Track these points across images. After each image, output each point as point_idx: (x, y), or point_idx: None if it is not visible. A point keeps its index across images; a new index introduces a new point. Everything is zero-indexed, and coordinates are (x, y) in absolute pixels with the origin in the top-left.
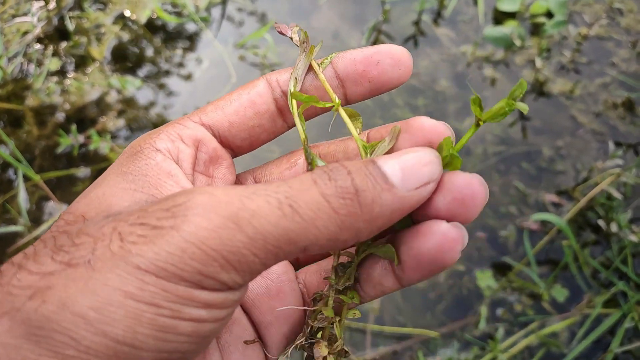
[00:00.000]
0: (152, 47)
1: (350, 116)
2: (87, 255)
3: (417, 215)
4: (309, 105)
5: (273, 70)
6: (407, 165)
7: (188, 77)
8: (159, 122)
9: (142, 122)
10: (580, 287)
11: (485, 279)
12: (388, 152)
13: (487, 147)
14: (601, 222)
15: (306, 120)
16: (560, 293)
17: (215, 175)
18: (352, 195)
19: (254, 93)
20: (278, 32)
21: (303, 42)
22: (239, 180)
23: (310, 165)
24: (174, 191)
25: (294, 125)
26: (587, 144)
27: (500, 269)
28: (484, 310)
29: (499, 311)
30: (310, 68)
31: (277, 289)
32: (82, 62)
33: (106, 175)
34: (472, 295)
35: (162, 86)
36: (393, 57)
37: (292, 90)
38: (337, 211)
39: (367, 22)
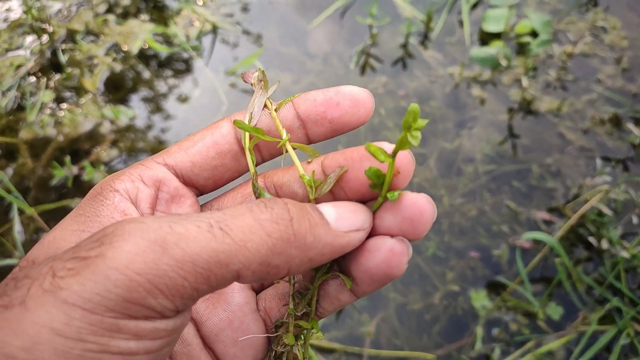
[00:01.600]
0: (145, 77)
1: (310, 153)
2: (23, 296)
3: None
4: (258, 139)
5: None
6: (342, 210)
7: (182, 103)
8: (157, 148)
9: (136, 151)
10: (575, 305)
11: (480, 299)
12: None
13: (477, 166)
14: (592, 239)
15: (271, 158)
16: (555, 311)
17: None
18: (287, 221)
19: (217, 134)
20: (244, 81)
21: (260, 81)
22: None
23: (258, 197)
24: None
25: (260, 163)
26: (576, 160)
27: (495, 288)
28: (479, 330)
29: (495, 331)
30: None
31: (239, 320)
32: (76, 93)
33: (63, 219)
34: (468, 316)
35: (156, 112)
36: (353, 98)
37: (246, 121)
38: (269, 234)
39: (356, 45)
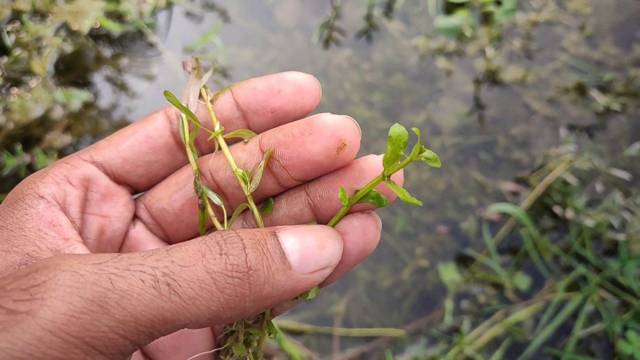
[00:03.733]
0: (99, 57)
1: (244, 134)
2: None
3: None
4: (197, 133)
5: (222, 74)
6: (308, 246)
7: (141, 81)
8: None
9: (93, 135)
10: (542, 274)
11: (449, 273)
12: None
13: (444, 139)
14: (558, 208)
15: (211, 152)
16: (522, 281)
17: (111, 214)
18: (243, 274)
19: (150, 128)
20: (184, 69)
21: (193, 69)
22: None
23: (201, 199)
24: (55, 245)
25: (199, 156)
26: (541, 130)
27: (463, 261)
28: (449, 304)
29: (464, 304)
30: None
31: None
32: (25, 77)
33: None
34: (437, 290)
35: (119, 91)
36: (296, 85)
37: (182, 117)
38: (222, 290)
39: (320, 18)
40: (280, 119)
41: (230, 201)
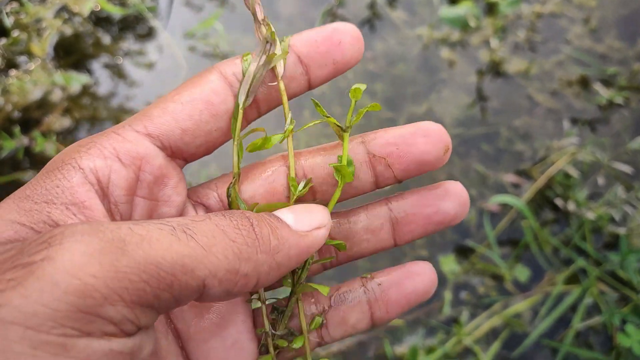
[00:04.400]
0: (99, 41)
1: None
2: None
3: (425, 224)
4: (248, 128)
5: (224, 59)
6: (298, 211)
7: (141, 67)
8: (118, 117)
9: (92, 120)
10: (541, 266)
11: (449, 264)
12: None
13: (446, 129)
14: (559, 201)
15: (269, 111)
16: (522, 273)
17: (159, 197)
18: (248, 227)
19: (209, 91)
20: (245, 3)
21: (266, 42)
22: (198, 197)
23: (230, 206)
24: None
25: (255, 118)
26: (544, 122)
27: (463, 253)
28: (448, 294)
29: (463, 294)
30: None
31: (233, 338)
32: (23, 59)
33: (7, 198)
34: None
35: (117, 77)
36: (351, 35)
37: (241, 106)
38: (233, 240)
39: (322, 6)
40: (339, 71)
41: (318, 197)
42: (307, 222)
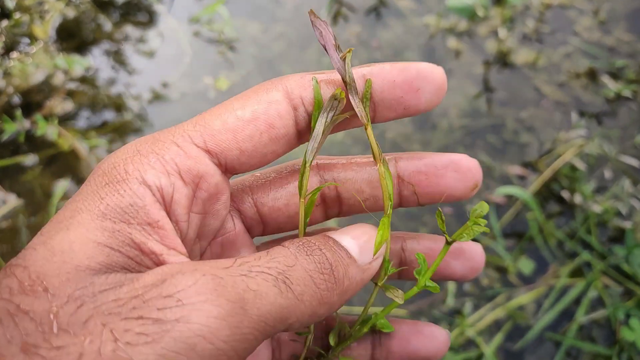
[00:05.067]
0: (102, 24)
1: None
2: None
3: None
4: (317, 196)
5: (229, 45)
6: (362, 242)
7: (144, 53)
8: (117, 103)
9: (95, 103)
10: (546, 259)
11: None
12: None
13: (452, 120)
14: (565, 194)
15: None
16: (526, 265)
17: (209, 211)
18: (329, 270)
19: (273, 114)
20: (313, 25)
21: (335, 99)
22: (233, 201)
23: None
24: (159, 250)
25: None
26: (551, 114)
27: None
28: (451, 286)
29: (466, 286)
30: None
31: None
32: (25, 42)
33: (77, 210)
34: None
35: (120, 62)
36: (435, 83)
37: (308, 164)
38: (318, 286)
39: None
40: (407, 115)
41: (344, 209)
42: (369, 254)
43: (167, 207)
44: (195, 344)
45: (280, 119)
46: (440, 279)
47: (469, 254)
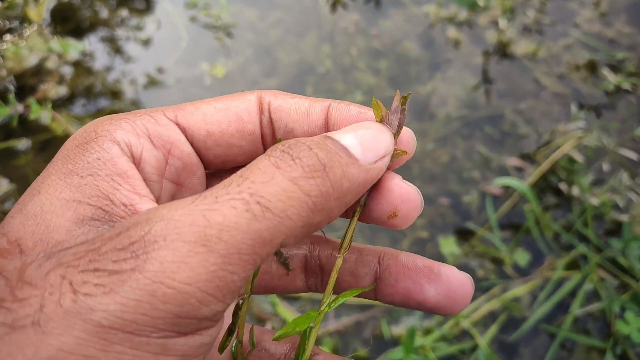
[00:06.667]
0: (96, 6)
1: None
2: (34, 313)
3: (404, 296)
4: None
5: (226, 31)
6: (364, 139)
7: (140, 41)
8: (112, 88)
9: (89, 88)
10: (542, 251)
11: (449, 246)
12: None
13: (450, 111)
14: (563, 186)
15: None
16: (522, 257)
17: (186, 184)
18: (322, 172)
19: (243, 108)
20: (393, 108)
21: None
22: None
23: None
24: (130, 200)
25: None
26: (550, 106)
27: (464, 235)
28: None
29: None
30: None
31: None
32: (19, 24)
33: (47, 174)
34: None
35: (115, 50)
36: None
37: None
38: (308, 194)
39: None
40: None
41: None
42: (374, 153)
43: (137, 165)
44: (154, 290)
45: (249, 115)
46: (412, 306)
47: (446, 279)
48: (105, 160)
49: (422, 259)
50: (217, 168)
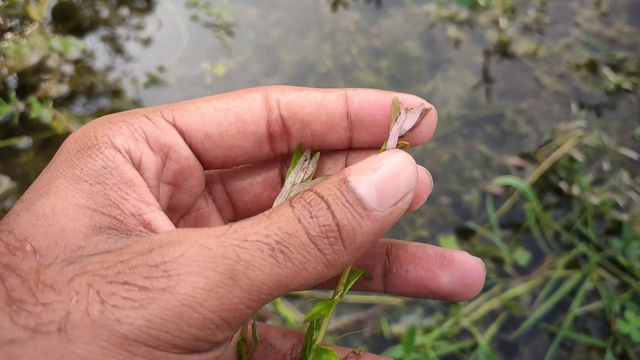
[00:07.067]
0: (97, 6)
1: None
2: (60, 320)
3: (416, 286)
4: None
5: (226, 30)
6: (382, 182)
7: (141, 40)
8: (112, 87)
9: (90, 87)
10: (542, 250)
11: (449, 244)
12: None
13: (451, 110)
14: (563, 185)
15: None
16: (522, 256)
17: (183, 185)
18: (335, 232)
19: (245, 109)
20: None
21: (305, 160)
22: (206, 186)
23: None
24: (138, 210)
25: (281, 154)
26: (550, 106)
27: (464, 234)
28: None
29: None
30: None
31: None
32: (20, 23)
33: (53, 176)
34: None
35: (116, 49)
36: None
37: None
38: (322, 251)
39: None
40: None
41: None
42: (393, 196)
43: (137, 170)
44: (182, 313)
45: (252, 115)
46: (425, 295)
47: (459, 264)
48: (111, 169)
49: (432, 247)
50: (217, 168)
